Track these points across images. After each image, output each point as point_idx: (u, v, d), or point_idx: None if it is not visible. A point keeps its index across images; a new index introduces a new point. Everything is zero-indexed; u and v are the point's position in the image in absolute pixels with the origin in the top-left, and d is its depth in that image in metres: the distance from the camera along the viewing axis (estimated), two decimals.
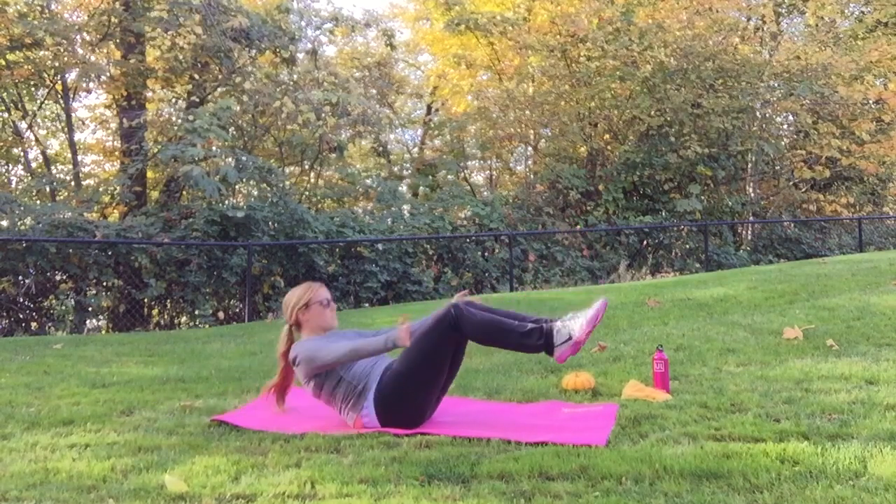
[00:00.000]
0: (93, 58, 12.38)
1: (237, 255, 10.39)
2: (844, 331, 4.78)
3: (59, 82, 12.88)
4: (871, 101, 15.15)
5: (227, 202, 11.22)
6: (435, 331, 3.15)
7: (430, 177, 16.38)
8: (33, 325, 10.01)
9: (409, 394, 3.13)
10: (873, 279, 6.84)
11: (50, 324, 10.19)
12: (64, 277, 10.15)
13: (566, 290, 8.94)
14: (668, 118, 13.81)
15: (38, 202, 12.13)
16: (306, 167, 14.76)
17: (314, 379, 3.26)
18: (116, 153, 14.04)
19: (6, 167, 15.15)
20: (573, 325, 3.07)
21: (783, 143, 15.82)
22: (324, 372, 3.24)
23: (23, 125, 13.60)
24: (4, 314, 9.96)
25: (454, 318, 3.12)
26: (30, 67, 12.05)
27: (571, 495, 2.28)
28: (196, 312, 10.38)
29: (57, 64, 12.13)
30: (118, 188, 12.02)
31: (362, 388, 3.20)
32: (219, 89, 12.90)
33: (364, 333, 3.47)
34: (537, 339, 3.09)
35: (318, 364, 3.21)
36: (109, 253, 10.08)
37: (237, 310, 10.88)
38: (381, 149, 15.90)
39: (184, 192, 12.77)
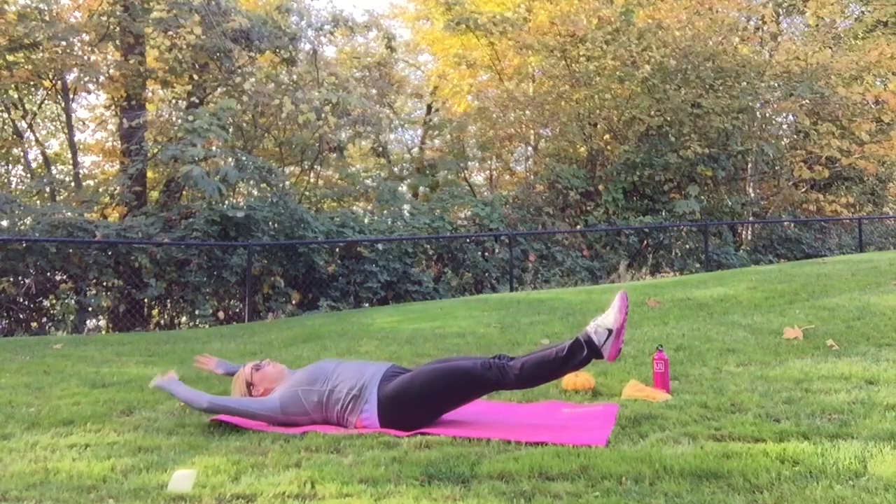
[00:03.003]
0: (92, 58, 12.38)
1: (237, 255, 10.39)
2: (844, 331, 4.78)
3: (59, 83, 12.88)
4: (870, 102, 15.14)
5: (227, 202, 11.22)
6: (470, 378, 3.12)
7: (430, 177, 16.37)
8: (33, 325, 10.01)
9: (423, 411, 3.15)
10: (873, 279, 6.84)
11: (50, 324, 10.19)
12: (64, 277, 10.15)
13: (566, 290, 8.94)
14: (668, 118, 13.80)
15: (38, 202, 12.13)
16: (306, 167, 14.76)
17: (290, 413, 3.23)
18: (116, 153, 14.04)
19: (6, 167, 15.16)
20: (606, 320, 3.05)
21: (783, 143, 15.82)
22: (294, 401, 3.22)
23: (23, 125, 13.60)
24: (4, 314, 9.96)
25: (498, 380, 3.10)
26: (29, 68, 12.05)
27: (571, 495, 2.28)
28: (196, 312, 10.38)
29: (56, 65, 12.13)
30: (118, 188, 12.02)
31: (360, 390, 3.18)
32: (219, 89, 12.91)
33: (324, 369, 3.40)
34: (581, 351, 3.06)
35: (269, 417, 3.23)
36: (109, 253, 10.09)
37: (237, 310, 10.88)
38: (380, 149, 15.90)
39: (184, 192, 12.77)
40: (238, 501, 2.34)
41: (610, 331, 3.01)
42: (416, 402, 3.12)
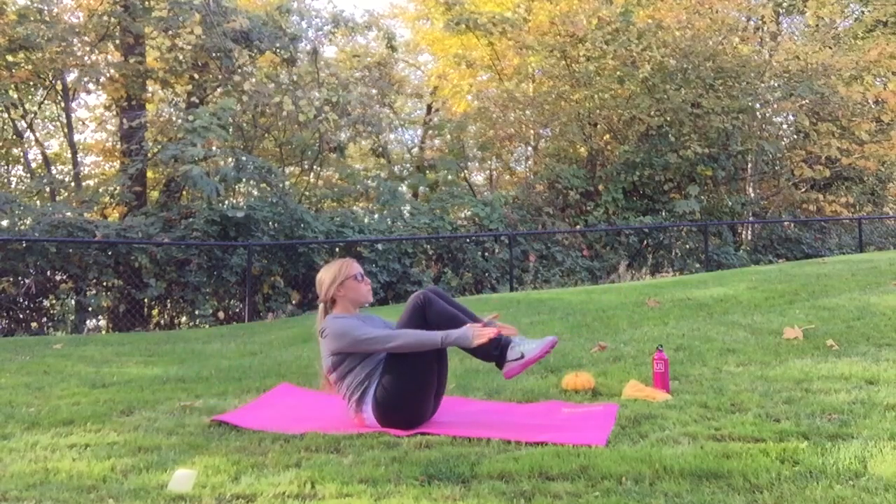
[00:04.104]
0: (92, 58, 12.37)
1: (237, 255, 10.39)
2: (844, 331, 4.78)
3: (59, 83, 12.88)
4: (870, 101, 15.13)
5: (226, 202, 11.22)
6: (410, 322, 3.22)
7: (430, 177, 16.37)
8: (33, 325, 10.01)
9: (401, 393, 3.14)
10: (873, 279, 6.84)
11: (50, 324, 10.19)
12: (64, 277, 10.15)
13: (566, 290, 8.94)
14: (668, 118, 13.80)
15: (38, 202, 12.13)
16: (306, 167, 14.76)
17: (336, 355, 3.26)
18: (116, 153, 14.05)
19: (6, 167, 15.16)
20: (528, 346, 3.18)
21: (783, 143, 15.81)
22: (348, 352, 3.23)
23: (23, 125, 13.60)
24: (4, 314, 9.96)
25: (421, 304, 3.22)
26: (29, 68, 12.06)
27: (571, 495, 2.28)
28: (196, 312, 10.38)
29: (56, 66, 12.13)
30: (118, 188, 12.02)
31: (367, 385, 3.21)
32: (219, 89, 12.91)
33: (390, 325, 3.45)
34: (493, 349, 3.18)
35: (349, 340, 3.18)
36: (109, 253, 10.09)
37: (237, 310, 10.88)
38: (380, 149, 15.90)
39: (184, 192, 12.78)
40: (238, 501, 2.34)
41: (523, 356, 3.15)
42: (396, 383, 3.14)
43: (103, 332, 10.41)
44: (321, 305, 3.47)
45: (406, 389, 3.14)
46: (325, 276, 3.44)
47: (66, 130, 13.75)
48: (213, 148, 10.90)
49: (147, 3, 11.97)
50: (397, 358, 3.17)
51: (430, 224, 12.30)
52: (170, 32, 11.84)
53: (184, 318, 10.93)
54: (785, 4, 17.58)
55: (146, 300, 10.57)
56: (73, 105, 13.86)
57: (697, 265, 13.13)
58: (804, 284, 6.77)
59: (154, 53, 12.72)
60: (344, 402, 3.31)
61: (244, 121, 13.23)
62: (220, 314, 10.49)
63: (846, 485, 2.26)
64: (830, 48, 15.04)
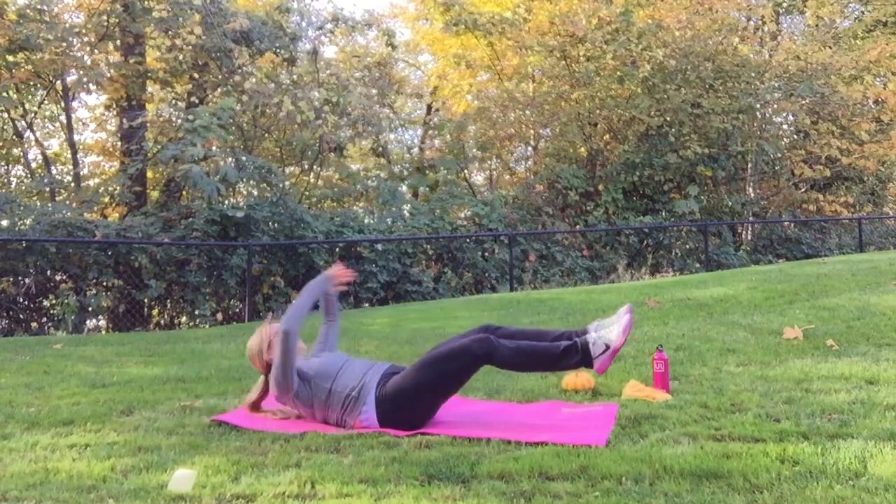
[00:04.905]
0: (92, 59, 12.36)
1: (237, 255, 10.39)
2: (844, 331, 4.78)
3: (59, 83, 12.87)
4: (870, 101, 15.14)
5: (226, 202, 11.21)
6: (459, 358, 3.11)
7: (430, 177, 16.37)
8: (33, 325, 10.01)
9: (420, 405, 3.15)
10: (873, 279, 6.84)
11: (50, 324, 10.18)
12: (64, 277, 10.15)
13: (566, 290, 8.94)
14: (668, 118, 13.80)
15: (38, 202, 12.13)
16: (306, 167, 14.75)
17: (302, 394, 3.25)
18: (116, 153, 14.04)
19: (6, 167, 15.15)
20: (608, 334, 3.06)
21: (783, 143, 15.82)
22: (306, 390, 3.22)
23: (23, 125, 13.60)
24: (4, 314, 9.96)
25: (487, 353, 3.07)
26: (29, 69, 12.05)
27: (571, 495, 2.28)
28: (196, 312, 10.38)
29: (56, 66, 12.12)
30: (118, 188, 12.02)
31: (359, 392, 3.19)
32: (219, 89, 12.90)
33: (347, 358, 3.44)
34: (574, 357, 3.08)
35: (283, 372, 3.20)
36: (109, 253, 10.09)
37: (237, 310, 10.88)
38: (380, 149, 15.90)
39: (184, 192, 12.77)
40: (238, 501, 2.34)
41: (608, 346, 3.04)
42: (414, 398, 3.12)
43: (103, 332, 10.41)
44: (260, 379, 3.49)
45: (429, 396, 3.13)
46: (252, 345, 3.48)
47: (66, 130, 13.74)
48: (213, 148, 10.89)
49: (147, 3, 11.96)
50: (432, 370, 3.11)
51: (430, 224, 12.31)
52: (170, 32, 11.83)
53: (184, 318, 10.93)
54: (785, 4, 17.59)
55: (146, 300, 10.57)
56: (73, 105, 13.85)
57: (697, 265, 13.13)
58: (804, 284, 6.77)
59: (154, 53, 12.71)
60: (335, 423, 3.25)
61: (244, 121, 13.22)
62: (220, 314, 10.49)
63: (846, 485, 2.26)
64: (830, 48, 15.04)
